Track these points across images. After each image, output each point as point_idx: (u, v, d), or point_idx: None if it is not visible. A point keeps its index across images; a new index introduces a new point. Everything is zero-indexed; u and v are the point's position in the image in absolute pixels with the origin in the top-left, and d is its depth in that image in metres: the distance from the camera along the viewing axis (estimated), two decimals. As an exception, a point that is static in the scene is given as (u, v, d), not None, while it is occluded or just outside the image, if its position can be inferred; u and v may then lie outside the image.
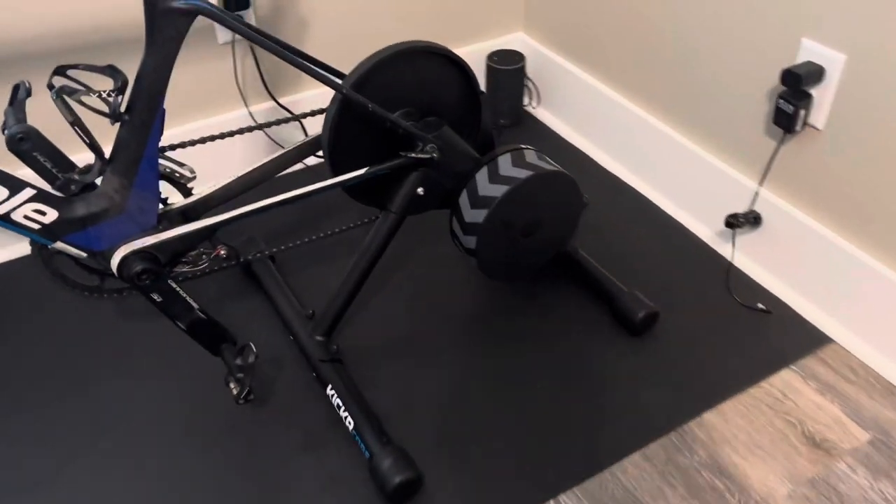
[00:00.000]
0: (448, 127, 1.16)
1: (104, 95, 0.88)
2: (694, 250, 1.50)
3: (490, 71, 1.81)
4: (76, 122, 0.87)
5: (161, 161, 1.06)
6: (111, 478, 1.12)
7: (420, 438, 1.17)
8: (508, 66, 1.79)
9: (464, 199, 1.22)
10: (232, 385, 1.10)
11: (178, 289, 1.04)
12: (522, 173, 1.19)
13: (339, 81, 1.07)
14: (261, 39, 0.95)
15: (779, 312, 1.36)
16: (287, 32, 1.60)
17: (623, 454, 1.14)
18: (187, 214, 1.09)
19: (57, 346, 1.31)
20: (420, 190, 1.18)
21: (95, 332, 1.34)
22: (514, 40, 1.91)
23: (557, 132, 1.85)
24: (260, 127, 1.16)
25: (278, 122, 1.18)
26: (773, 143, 1.33)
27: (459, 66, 1.17)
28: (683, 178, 1.55)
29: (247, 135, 1.65)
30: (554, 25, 1.79)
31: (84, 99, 0.88)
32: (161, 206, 1.09)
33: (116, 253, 1.00)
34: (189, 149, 1.12)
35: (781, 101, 1.24)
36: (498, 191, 1.18)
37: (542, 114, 1.92)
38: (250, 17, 1.52)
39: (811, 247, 1.32)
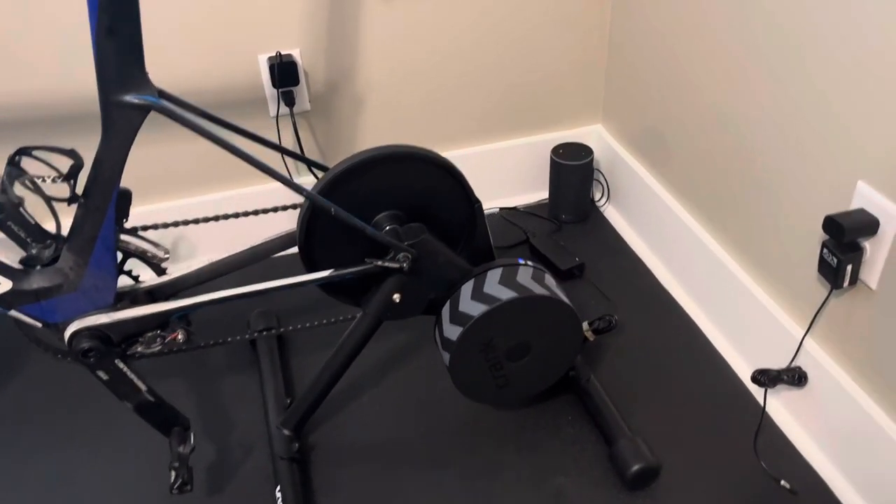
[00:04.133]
0: (429, 235, 1.09)
1: (48, 181, 0.90)
2: (731, 392, 1.31)
3: (553, 164, 1.72)
4: (20, 205, 0.89)
5: (134, 240, 1.08)
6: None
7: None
8: (573, 161, 1.69)
9: (445, 312, 1.14)
10: (172, 473, 1.08)
11: (125, 370, 1.04)
12: (506, 294, 1.09)
13: (307, 187, 1.04)
14: (217, 139, 0.93)
15: (811, 492, 1.14)
16: (342, 110, 1.60)
17: None
18: (154, 294, 1.09)
19: (52, 399, 1.36)
20: (396, 297, 1.11)
21: (91, 389, 1.37)
22: (590, 133, 1.81)
23: (621, 234, 1.72)
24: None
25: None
26: (823, 293, 1.14)
27: (451, 172, 1.09)
28: (734, 309, 1.37)
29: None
30: (630, 124, 1.67)
31: (28, 183, 0.91)
32: (132, 282, 1.10)
33: (68, 328, 1.01)
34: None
35: (825, 250, 1.05)
36: (476, 309, 1.09)
37: (611, 212, 1.79)
38: (302, 92, 1.54)
39: (861, 424, 1.10)
